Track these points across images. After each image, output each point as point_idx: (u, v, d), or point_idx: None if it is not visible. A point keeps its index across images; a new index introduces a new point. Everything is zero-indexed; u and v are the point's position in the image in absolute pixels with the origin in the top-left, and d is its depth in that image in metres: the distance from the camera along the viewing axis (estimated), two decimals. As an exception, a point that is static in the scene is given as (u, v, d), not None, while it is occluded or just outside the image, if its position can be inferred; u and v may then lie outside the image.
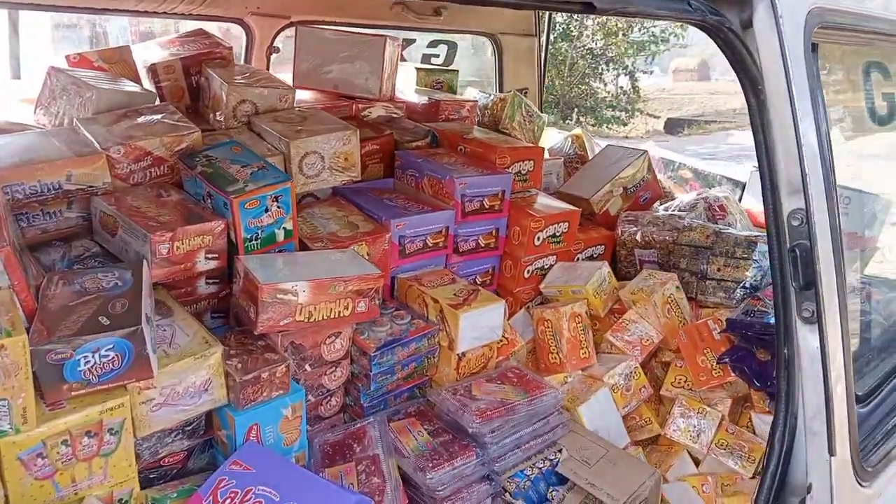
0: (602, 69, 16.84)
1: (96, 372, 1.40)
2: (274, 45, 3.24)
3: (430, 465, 1.78)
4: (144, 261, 1.69)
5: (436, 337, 2.07)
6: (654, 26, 16.29)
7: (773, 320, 2.06)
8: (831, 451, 1.21)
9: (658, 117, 20.81)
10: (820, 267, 1.19)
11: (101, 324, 1.42)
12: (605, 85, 17.41)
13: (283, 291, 1.71)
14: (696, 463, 2.28)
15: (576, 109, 16.72)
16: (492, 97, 3.41)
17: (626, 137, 17.34)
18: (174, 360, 1.54)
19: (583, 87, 16.64)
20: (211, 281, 1.92)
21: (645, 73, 18.00)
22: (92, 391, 1.42)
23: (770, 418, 2.21)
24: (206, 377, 1.58)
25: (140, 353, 1.42)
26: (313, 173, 2.24)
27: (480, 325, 2.06)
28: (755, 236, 2.39)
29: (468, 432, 1.89)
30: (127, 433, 1.48)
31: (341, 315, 1.82)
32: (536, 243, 2.47)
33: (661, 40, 16.52)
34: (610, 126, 17.26)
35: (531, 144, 2.94)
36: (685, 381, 2.35)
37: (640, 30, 16.23)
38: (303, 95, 2.88)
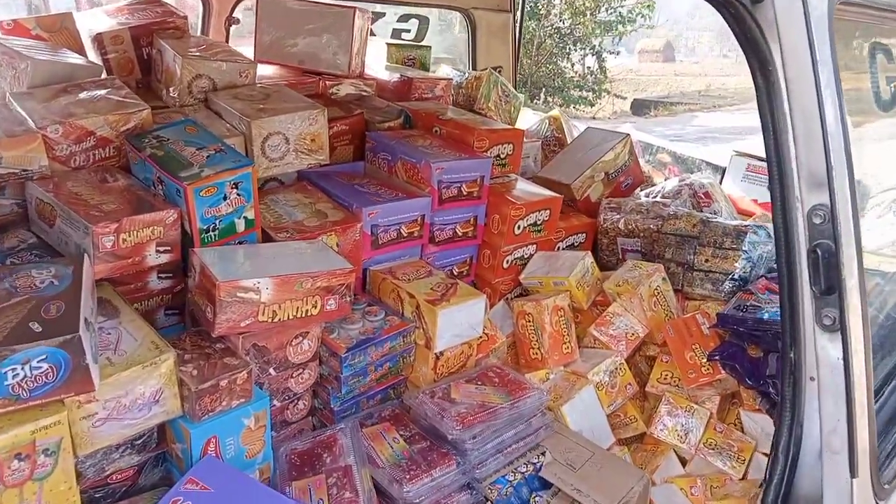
0: (569, 49, 16.80)
1: (27, 386, 1.22)
2: (233, 15, 3.01)
3: (407, 476, 1.64)
4: (86, 255, 1.50)
5: (412, 335, 1.92)
6: (622, 6, 16.25)
7: (766, 315, 1.97)
8: (853, 473, 1.11)
9: (625, 98, 20.90)
10: (844, 270, 1.07)
11: (32, 331, 1.23)
12: (573, 65, 17.39)
13: (243, 289, 1.54)
14: (683, 463, 2.19)
15: (543, 89, 16.66)
16: (466, 75, 3.24)
17: (594, 118, 17.34)
18: (119, 369, 1.36)
19: (550, 67, 16.58)
20: (164, 275, 1.73)
21: (612, 53, 18.02)
22: (22, 408, 1.24)
23: (760, 417, 2.14)
24: (156, 387, 1.41)
25: (78, 363, 1.24)
26: (277, 156, 2.05)
27: (460, 321, 1.92)
28: (744, 226, 2.29)
29: (447, 439, 1.75)
30: (65, 453, 1.30)
31: (309, 314, 1.65)
32: (517, 232, 2.33)
33: (628, 20, 16.50)
34: (577, 106, 17.26)
35: (511, 126, 2.78)
36: (671, 377, 2.25)
37: (607, 10, 16.17)
38: (265, 71, 2.67)
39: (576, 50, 17.04)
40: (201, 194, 1.62)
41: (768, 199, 3.28)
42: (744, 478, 2.06)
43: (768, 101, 1.32)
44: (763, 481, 1.54)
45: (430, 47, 3.37)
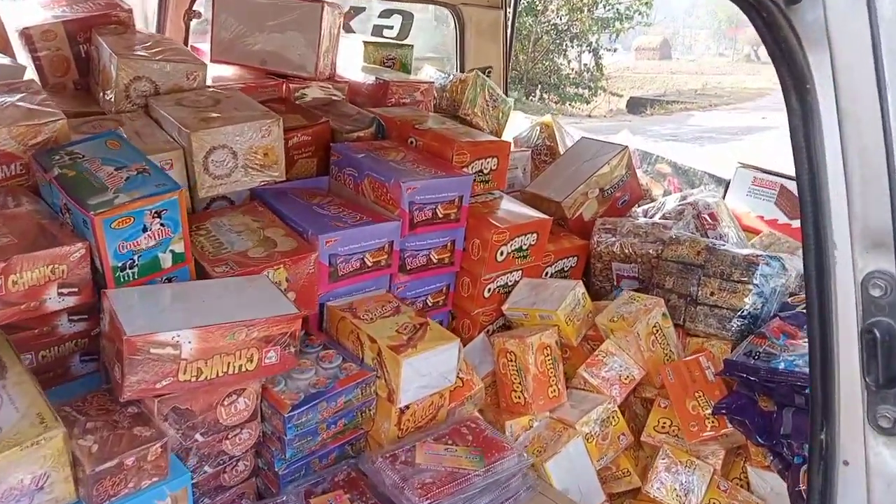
0: (566, 45, 16.60)
1: None
2: (193, 9, 2.73)
3: (359, 563, 1.38)
4: (-35, 301, 1.23)
5: (372, 386, 1.65)
6: (620, 3, 16.05)
7: (781, 365, 1.71)
8: None
9: (621, 96, 20.70)
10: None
11: None
12: (569, 62, 17.20)
13: (159, 344, 1.27)
14: (682, 523, 1.94)
15: (539, 86, 16.47)
16: (450, 78, 2.97)
17: (590, 116, 17.13)
18: (-8, 451, 1.09)
19: (546, 64, 16.37)
20: (76, 317, 1.47)
21: (609, 50, 17.84)
22: None
23: (770, 475, 1.88)
24: (40, 472, 1.14)
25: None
26: (223, 173, 1.79)
27: (428, 370, 1.65)
28: (756, 256, 2.02)
29: (409, 514, 1.49)
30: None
31: (243, 370, 1.39)
32: (499, 258, 2.06)
33: (626, 18, 16.31)
34: (573, 104, 17.05)
35: (495, 138, 2.51)
36: (670, 426, 1.99)
37: (604, 6, 15.97)
38: (223, 72, 2.40)
39: (572, 47, 16.86)
40: (113, 226, 1.35)
41: (775, 217, 3.05)
42: (751, 546, 1.81)
43: (805, 128, 1.05)
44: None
45: (411, 46, 3.09)
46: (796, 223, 2.98)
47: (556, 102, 16.63)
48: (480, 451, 1.62)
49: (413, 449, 1.61)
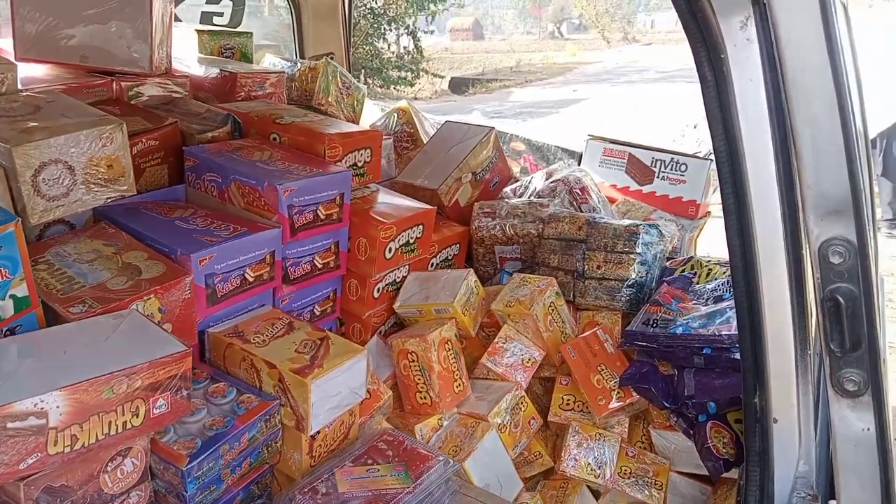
0: (384, 29, 16.62)
1: None
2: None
3: None
4: None
5: (277, 415, 1.47)
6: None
7: (679, 330, 1.77)
8: None
9: (443, 77, 21.16)
10: (875, 320, 0.84)
11: None
12: (389, 45, 17.25)
13: (17, 416, 1.02)
14: (596, 495, 1.96)
15: (363, 71, 16.36)
16: (298, 66, 2.77)
17: (416, 98, 17.31)
18: None
19: (367, 48, 16.27)
20: None
21: (426, 32, 18.10)
22: None
23: (671, 434, 1.96)
24: None
25: None
26: (58, 193, 1.50)
27: (338, 389, 1.50)
28: (635, 226, 2.08)
29: (341, 551, 1.35)
30: None
31: (129, 427, 1.16)
32: (388, 255, 1.95)
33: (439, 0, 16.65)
34: (398, 87, 17.13)
35: (365, 128, 2.37)
36: (575, 403, 2.00)
37: (418, -11, 16.22)
38: (33, 72, 2.03)
39: (390, 30, 16.92)
40: (-70, 276, 1.06)
41: (627, 184, 3.20)
42: (664, 505, 1.87)
43: (719, 99, 1.05)
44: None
45: (250, 34, 2.84)
46: (647, 188, 3.15)
47: (380, 87, 16.61)
48: (404, 466, 1.51)
49: (332, 477, 1.46)
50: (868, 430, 0.87)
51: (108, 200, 1.61)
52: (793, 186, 1.07)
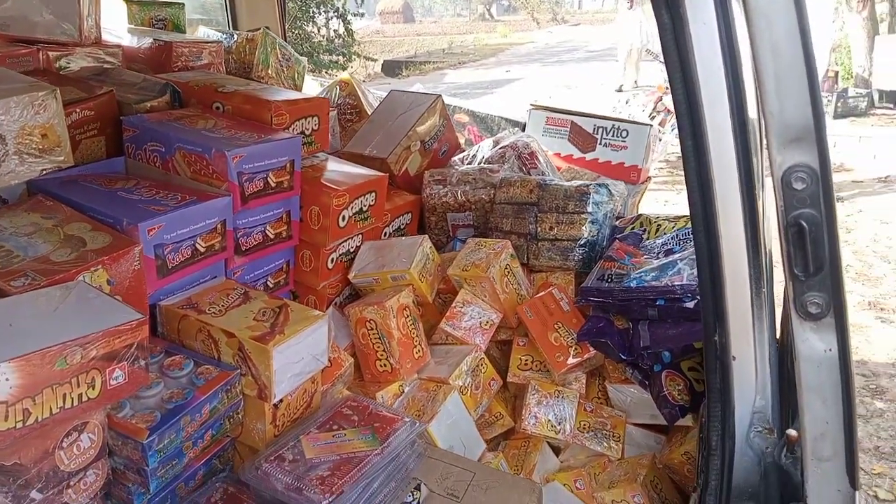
0: (313, 12, 16.29)
1: None
2: None
3: (270, 587, 1.20)
4: None
5: (238, 385, 1.43)
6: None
7: (633, 283, 1.81)
8: (855, 485, 0.94)
9: (375, 60, 20.93)
10: (836, 244, 0.87)
11: None
12: (319, 29, 16.93)
13: (-36, 390, 0.95)
14: (556, 451, 2.00)
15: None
16: (236, 37, 2.68)
17: (349, 83, 17.05)
18: None
19: (297, 32, 15.92)
20: None
21: (356, 15, 17.85)
22: None
23: (627, 387, 2.01)
24: None
25: None
26: (-11, 164, 1.41)
27: (300, 355, 1.47)
28: (585, 186, 2.11)
29: (312, 516, 1.33)
30: None
31: (85, 400, 1.11)
32: (341, 224, 1.91)
33: (369, -20, 16.41)
34: (329, 71, 16.85)
35: (312, 95, 2.31)
36: (533, 363, 2.03)
37: (346, -29, 15.95)
38: (-52, 41, 1.90)
39: (320, 13, 16.59)
40: None
41: (570, 153, 3.25)
42: (622, 458, 1.92)
43: (676, 45, 1.07)
44: (696, 485, 1.36)
45: (182, 5, 2.73)
46: (590, 156, 3.20)
47: (311, 71, 16.30)
48: (371, 429, 1.50)
49: (298, 444, 1.43)
50: (830, 350, 0.91)
51: (44, 172, 1.53)
52: (745, 128, 1.11)
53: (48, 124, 1.48)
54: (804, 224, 0.87)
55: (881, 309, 4.85)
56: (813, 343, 0.92)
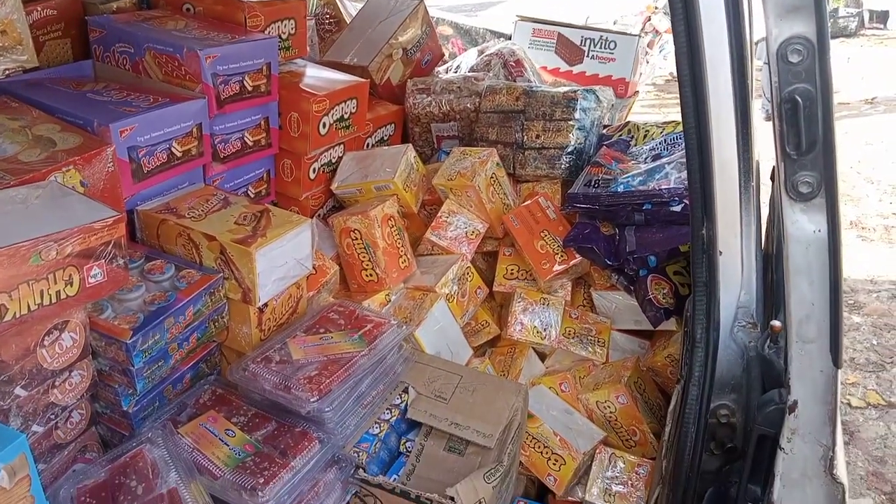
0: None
1: None
2: None
3: (261, 479, 1.22)
4: None
5: (221, 289, 1.42)
6: None
7: (621, 188, 1.79)
8: (837, 363, 0.95)
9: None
10: (830, 119, 0.84)
11: None
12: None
13: (-65, 282, 0.93)
14: (542, 357, 2.03)
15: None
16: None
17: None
18: None
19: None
20: None
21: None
22: None
23: (611, 294, 2.02)
24: None
25: None
26: (-53, 61, 1.33)
27: (284, 259, 1.45)
28: (573, 91, 2.06)
29: (301, 413, 1.34)
30: None
31: (63, 297, 1.09)
32: (322, 131, 1.86)
33: None
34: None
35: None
36: (518, 272, 2.03)
37: None
38: None
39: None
40: None
41: (557, 65, 3.17)
42: (606, 362, 1.95)
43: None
44: (680, 376, 1.38)
45: None
46: (577, 68, 3.14)
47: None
48: (358, 331, 1.50)
49: (285, 346, 1.43)
50: (819, 231, 0.90)
51: (7, 73, 1.46)
52: (739, 16, 1.06)
53: (6, 19, 1.40)
54: (798, 99, 0.84)
55: (862, 228, 4.90)
56: (802, 224, 0.91)
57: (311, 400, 1.31)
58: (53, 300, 1.08)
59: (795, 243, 0.92)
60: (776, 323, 1.20)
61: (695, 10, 1.06)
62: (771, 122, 0.90)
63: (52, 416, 1.22)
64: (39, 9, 1.62)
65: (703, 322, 1.25)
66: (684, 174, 1.73)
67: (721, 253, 1.23)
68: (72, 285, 1.10)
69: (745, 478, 1.17)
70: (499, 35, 3.36)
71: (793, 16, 0.82)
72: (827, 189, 0.87)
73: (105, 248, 1.14)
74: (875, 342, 3.77)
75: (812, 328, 0.95)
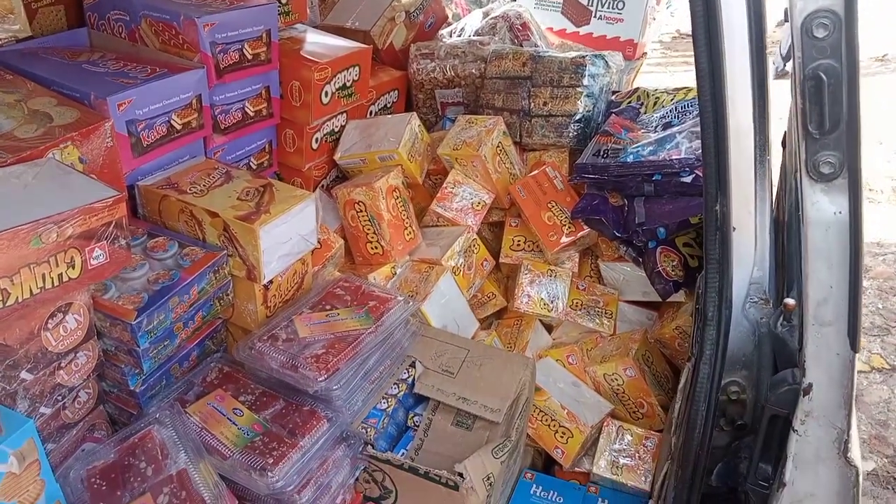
0: None
1: None
2: None
3: (270, 459, 1.22)
4: None
5: (225, 266, 1.40)
6: None
7: (630, 158, 1.75)
8: (855, 347, 0.93)
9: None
10: (855, 97, 0.81)
11: None
12: None
13: (-66, 269, 0.90)
14: (549, 329, 2.02)
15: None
16: None
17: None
18: None
19: None
20: None
21: None
22: None
23: (619, 265, 2.00)
24: None
25: None
26: (-64, 32, 1.28)
27: (288, 235, 1.43)
28: (581, 57, 2.00)
29: (309, 392, 1.33)
30: None
31: (65, 280, 1.07)
32: (325, 100, 1.82)
33: None
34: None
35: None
36: (525, 243, 2.00)
37: None
38: None
39: None
40: None
41: (564, 27, 3.09)
42: (613, 334, 1.94)
43: None
44: (691, 354, 1.37)
45: None
46: (584, 30, 3.05)
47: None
48: (364, 308, 1.49)
49: (291, 324, 1.42)
50: (840, 213, 0.87)
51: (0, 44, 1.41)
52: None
53: (-3, -12, 1.35)
54: (822, 76, 0.80)
55: (869, 189, 4.85)
56: (822, 205, 0.88)
57: (319, 379, 1.30)
58: (56, 283, 1.06)
59: (815, 225, 0.89)
60: (790, 301, 1.18)
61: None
62: (791, 97, 0.86)
63: (60, 398, 1.22)
64: (30, -25, 1.56)
65: (716, 300, 1.23)
66: (695, 144, 1.69)
67: (735, 229, 1.20)
68: (74, 267, 1.08)
69: (756, 456, 1.16)
70: (502, -6, 3.26)
71: (818, -13, 0.77)
72: (850, 169, 0.84)
73: (106, 229, 1.11)
74: (880, 306, 3.76)
75: (829, 311, 0.93)
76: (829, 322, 0.94)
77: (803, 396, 1.00)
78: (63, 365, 1.18)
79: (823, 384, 0.97)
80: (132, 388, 1.31)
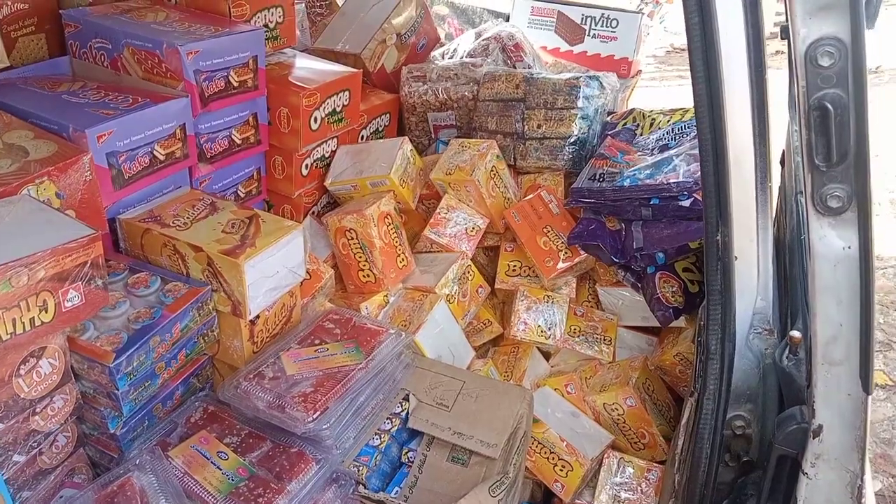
0: None
1: None
2: None
3: (256, 506, 1.16)
4: None
5: (210, 302, 1.35)
6: None
7: (627, 182, 1.71)
8: (868, 389, 0.88)
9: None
10: (865, 128, 0.76)
11: None
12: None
13: None
14: (547, 356, 1.96)
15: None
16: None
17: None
18: None
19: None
20: None
21: None
22: None
23: (617, 290, 1.95)
24: None
25: None
26: None
27: (275, 268, 1.38)
28: (575, 78, 1.96)
29: (297, 434, 1.28)
30: None
31: (38, 324, 1.02)
32: (313, 126, 1.78)
33: None
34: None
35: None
36: (521, 268, 1.96)
37: None
38: None
39: None
40: None
41: (557, 45, 3.07)
42: (612, 361, 1.89)
43: None
44: (693, 389, 1.32)
45: None
46: (578, 48, 3.02)
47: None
48: (355, 342, 1.44)
49: (278, 360, 1.37)
50: (849, 248, 0.83)
51: (-25, 75, 1.37)
52: (757, 6, 0.97)
53: (-27, 19, 1.31)
54: (829, 106, 0.76)
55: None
56: (830, 240, 0.84)
57: (307, 420, 1.25)
58: (27, 328, 1.01)
59: (822, 260, 0.85)
60: (795, 334, 1.14)
61: (709, 2, 0.98)
62: (797, 129, 0.82)
63: (35, 444, 1.16)
64: (10, 3, 1.52)
65: (718, 333, 1.18)
66: (693, 167, 1.65)
67: (737, 258, 1.16)
68: (47, 311, 1.03)
69: (764, 497, 1.11)
70: (496, 14, 3.23)
71: (823, 14, 0.73)
72: (859, 203, 0.80)
73: (81, 269, 1.06)
74: (882, 320, 3.72)
75: (840, 350, 0.88)
76: (838, 361, 0.89)
77: (813, 438, 0.95)
78: (38, 410, 1.13)
79: (835, 426, 0.92)
80: (112, 432, 1.26)
